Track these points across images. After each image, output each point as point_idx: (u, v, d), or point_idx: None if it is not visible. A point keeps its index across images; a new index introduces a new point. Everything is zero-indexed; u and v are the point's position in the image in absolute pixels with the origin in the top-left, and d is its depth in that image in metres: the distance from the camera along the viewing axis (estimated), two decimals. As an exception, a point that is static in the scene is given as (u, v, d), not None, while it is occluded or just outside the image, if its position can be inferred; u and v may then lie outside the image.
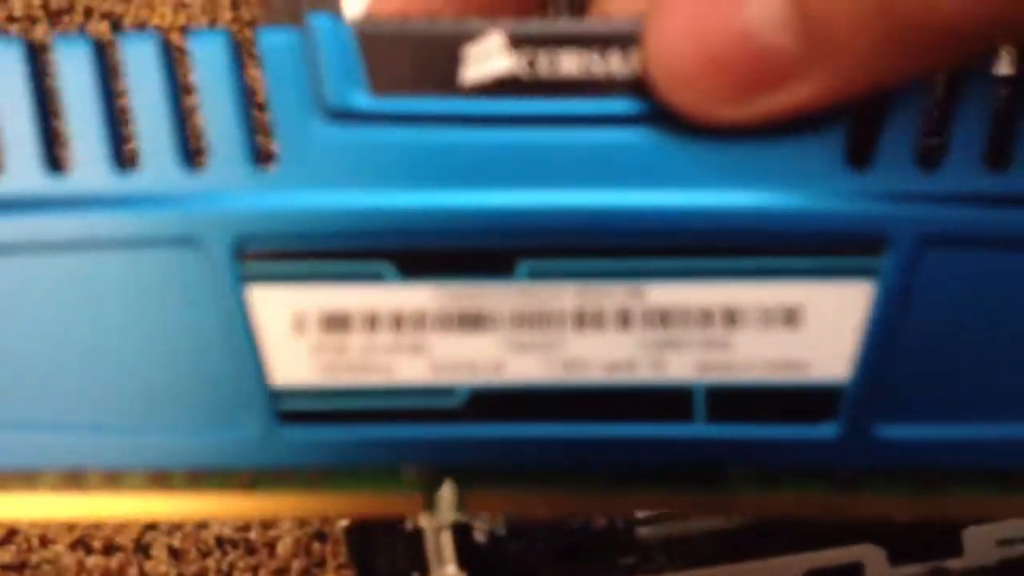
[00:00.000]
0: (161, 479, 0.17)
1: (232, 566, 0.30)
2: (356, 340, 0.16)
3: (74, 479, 0.17)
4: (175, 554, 0.30)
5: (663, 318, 0.16)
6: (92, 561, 0.30)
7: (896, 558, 0.28)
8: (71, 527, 0.29)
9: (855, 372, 0.16)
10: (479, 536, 0.25)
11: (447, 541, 0.24)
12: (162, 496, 0.17)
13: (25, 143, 0.16)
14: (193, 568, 0.30)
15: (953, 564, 0.29)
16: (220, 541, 0.29)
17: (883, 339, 0.16)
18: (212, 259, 0.16)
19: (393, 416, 0.16)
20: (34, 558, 0.30)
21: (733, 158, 0.16)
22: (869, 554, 0.28)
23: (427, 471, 0.17)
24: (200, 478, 0.17)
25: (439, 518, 0.18)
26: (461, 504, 0.17)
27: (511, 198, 0.16)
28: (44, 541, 0.30)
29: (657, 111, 0.15)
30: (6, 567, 0.30)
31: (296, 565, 0.29)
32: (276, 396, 0.16)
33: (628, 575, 0.27)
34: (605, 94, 0.16)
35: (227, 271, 0.16)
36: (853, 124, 0.16)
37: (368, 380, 0.16)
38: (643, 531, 0.27)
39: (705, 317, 0.16)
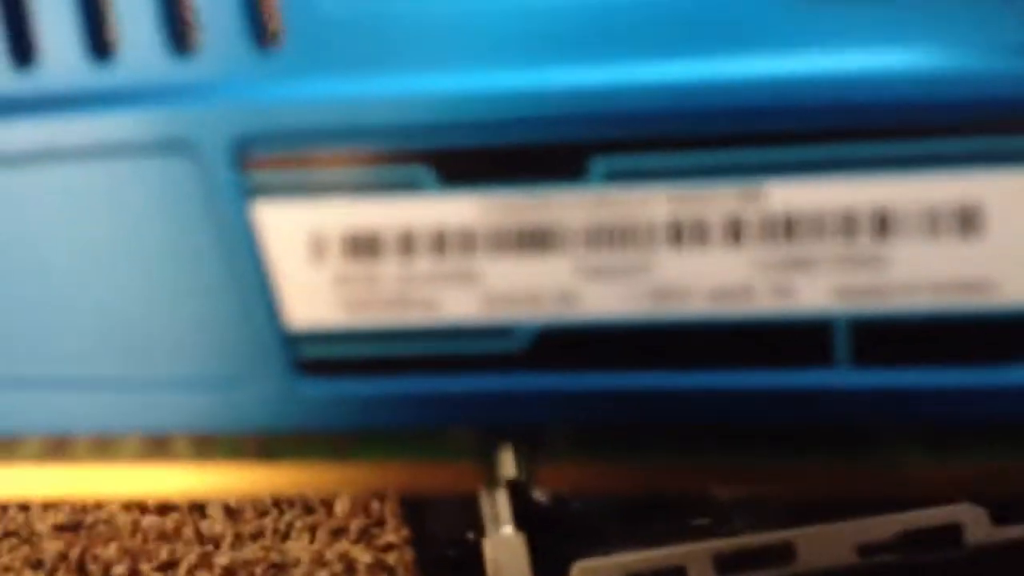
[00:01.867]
0: (161, 446, 0.14)
1: (290, 525, 0.29)
2: (389, 268, 0.13)
3: (59, 447, 0.14)
4: (231, 513, 0.30)
5: (789, 227, 0.12)
6: (147, 521, 0.30)
7: (999, 518, 0.26)
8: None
9: None
10: (539, 495, 0.24)
11: (503, 501, 0.23)
12: (162, 467, 0.14)
13: None
14: (250, 528, 0.29)
15: None
16: (276, 500, 0.29)
17: None
18: (208, 167, 0.13)
19: (438, 364, 0.13)
20: (88, 519, 0.30)
21: (879, 6, 0.12)
22: (969, 514, 0.25)
23: (482, 434, 0.14)
24: (206, 444, 0.14)
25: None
26: (529, 477, 0.14)
27: (579, 75, 0.12)
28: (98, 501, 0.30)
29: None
30: (61, 527, 0.30)
31: (354, 524, 0.29)
32: (293, 341, 0.13)
33: (702, 537, 0.25)
34: None
35: (227, 182, 0.13)
36: None
37: (405, 318, 0.13)
38: (719, 490, 0.25)
39: (847, 224, 0.12)
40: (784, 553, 0.26)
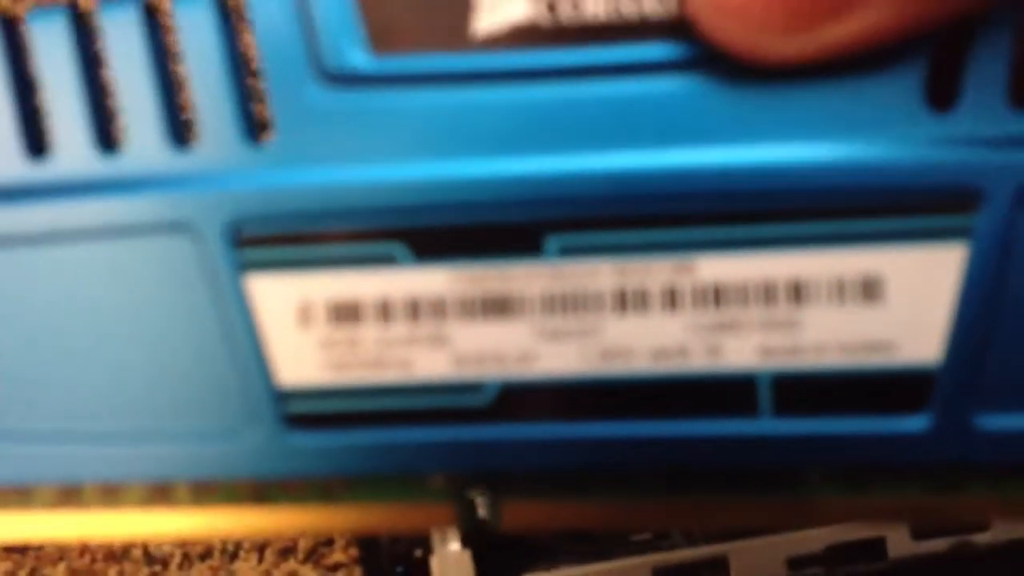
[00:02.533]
0: (163, 493, 0.16)
1: (238, 545, 0.30)
2: (369, 332, 0.15)
3: (71, 494, 0.16)
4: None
5: (717, 296, 0.14)
6: (95, 542, 0.30)
7: (919, 532, 0.28)
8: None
9: (948, 353, 0.14)
10: (484, 511, 0.25)
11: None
12: (164, 512, 0.16)
13: (2, 125, 0.15)
14: (198, 547, 0.30)
15: (980, 538, 0.28)
16: None
17: (979, 312, 0.14)
18: (206, 246, 0.15)
19: (413, 417, 0.15)
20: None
21: (793, 105, 0.14)
22: (892, 529, 0.27)
23: (455, 478, 0.15)
24: (205, 491, 0.16)
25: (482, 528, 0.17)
26: (496, 516, 0.16)
27: (536, 164, 0.14)
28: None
29: (701, 54, 0.14)
30: (9, 549, 0.30)
31: (303, 544, 0.29)
32: (282, 398, 0.15)
33: (642, 551, 0.27)
34: (639, 39, 0.14)
35: (223, 258, 0.15)
36: (934, 59, 0.13)
37: (384, 377, 0.15)
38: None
39: (768, 293, 0.14)
40: (718, 566, 0.27)
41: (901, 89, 0.14)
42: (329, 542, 0.29)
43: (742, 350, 0.14)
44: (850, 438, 0.14)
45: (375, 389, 0.15)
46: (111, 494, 0.16)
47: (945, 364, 0.14)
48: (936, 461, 0.14)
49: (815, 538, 0.27)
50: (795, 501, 0.15)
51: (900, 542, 0.27)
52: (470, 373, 0.15)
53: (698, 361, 0.14)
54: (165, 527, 0.16)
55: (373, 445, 0.15)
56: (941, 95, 0.14)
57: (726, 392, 0.14)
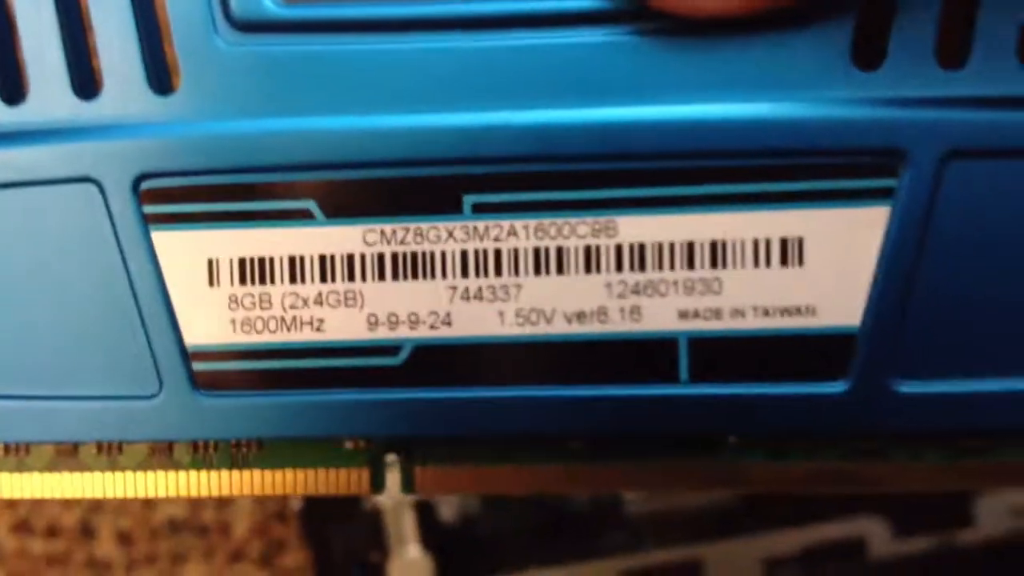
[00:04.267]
0: (71, 454, 0.16)
1: (189, 547, 0.29)
2: (279, 290, 0.14)
3: None
4: (124, 538, 0.29)
5: (638, 257, 0.14)
6: (36, 546, 0.29)
7: (901, 531, 0.27)
8: (12, 506, 0.28)
9: (867, 318, 0.14)
10: (446, 514, 0.24)
11: (409, 521, 0.23)
12: (72, 473, 0.16)
13: None
14: (143, 551, 0.29)
15: (964, 536, 0.28)
16: (172, 523, 0.28)
17: (900, 277, 0.14)
18: (112, 199, 0.14)
19: (325, 379, 0.15)
20: (-28, 544, 0.29)
21: (718, 63, 0.14)
22: (871, 528, 0.27)
23: (370, 442, 0.15)
24: (113, 453, 0.15)
25: (395, 495, 0.17)
26: (410, 482, 0.16)
27: (453, 118, 0.14)
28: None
29: (627, 7, 0.14)
30: None
31: (254, 547, 0.28)
32: (190, 357, 0.15)
33: (610, 554, 0.26)
34: None
35: (128, 213, 0.14)
36: (861, 18, 0.14)
37: (294, 337, 0.15)
38: (630, 507, 0.26)
39: (689, 254, 0.14)
40: (692, 569, 0.27)
41: (827, 48, 0.14)
42: (282, 545, 0.29)
43: (662, 313, 0.14)
44: (769, 403, 0.14)
45: (286, 349, 0.15)
46: (14, 457, 0.16)
47: (865, 329, 0.14)
48: (855, 427, 0.14)
49: (792, 538, 0.27)
50: (715, 466, 0.15)
51: (880, 541, 0.27)
52: (383, 334, 0.14)
53: (618, 324, 0.14)
54: (72, 489, 0.16)
55: (284, 407, 0.15)
56: (868, 54, 0.14)
57: (646, 355, 0.14)
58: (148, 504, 0.28)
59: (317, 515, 0.26)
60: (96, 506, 0.28)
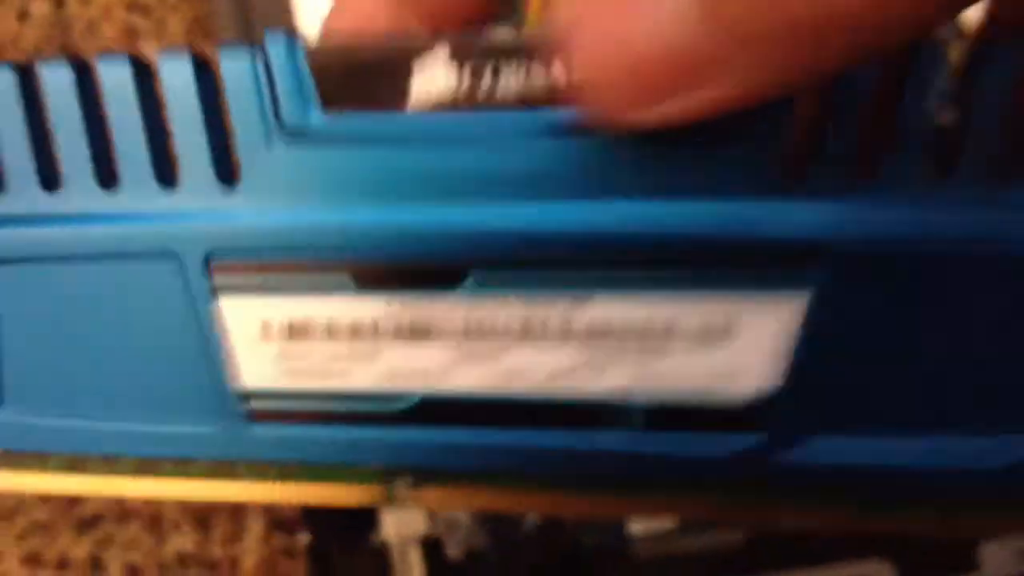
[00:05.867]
0: (151, 466, 0.20)
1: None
2: (317, 347, 0.18)
3: (76, 462, 0.20)
4: (133, 572, 0.30)
5: (603, 330, 0.18)
6: None
7: (907, 575, 0.28)
8: (21, 539, 0.30)
9: (782, 383, 0.18)
10: (453, 551, 0.25)
11: (415, 557, 0.25)
12: (152, 480, 0.20)
13: (23, 165, 0.19)
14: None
15: None
16: (181, 557, 0.30)
17: (812, 352, 0.17)
18: (186, 271, 0.18)
19: (348, 418, 0.19)
20: (-15, 575, 0.30)
21: (665, 168, 0.17)
22: (877, 571, 0.28)
23: (381, 469, 0.19)
24: (184, 466, 0.20)
25: (404, 529, 0.21)
26: (416, 498, 0.19)
27: (459, 213, 0.17)
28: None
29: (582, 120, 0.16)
30: None
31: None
32: (244, 397, 0.19)
33: None
34: (545, 106, 0.17)
35: (200, 283, 0.18)
36: (786, 132, 0.16)
37: (327, 384, 0.19)
38: (636, 548, 0.27)
39: (644, 328, 0.18)
40: None
41: (757, 160, 0.17)
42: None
43: (621, 375, 0.18)
44: (696, 452, 0.18)
45: (320, 393, 0.19)
46: (108, 464, 0.20)
47: (778, 392, 0.18)
48: (768, 474, 0.18)
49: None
50: (656, 505, 0.19)
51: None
52: (396, 385, 0.19)
53: (584, 383, 0.18)
54: (152, 491, 0.20)
55: (316, 438, 0.19)
56: (795, 166, 0.17)
57: (605, 409, 0.18)
58: (157, 538, 0.30)
59: (322, 551, 0.27)
60: (106, 539, 0.30)
